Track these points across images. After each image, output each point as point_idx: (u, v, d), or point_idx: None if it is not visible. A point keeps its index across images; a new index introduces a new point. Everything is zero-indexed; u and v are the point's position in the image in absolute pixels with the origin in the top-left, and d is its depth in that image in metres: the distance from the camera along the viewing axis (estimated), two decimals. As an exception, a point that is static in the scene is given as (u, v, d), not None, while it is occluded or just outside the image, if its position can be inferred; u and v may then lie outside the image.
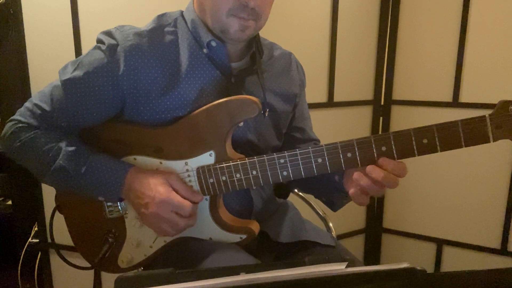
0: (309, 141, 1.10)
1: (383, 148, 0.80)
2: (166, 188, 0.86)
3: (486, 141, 0.76)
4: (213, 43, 0.92)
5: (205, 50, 0.93)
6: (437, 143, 0.78)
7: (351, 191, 0.83)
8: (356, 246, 2.20)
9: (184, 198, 0.86)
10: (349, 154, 0.81)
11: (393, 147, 0.79)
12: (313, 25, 1.83)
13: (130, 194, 0.88)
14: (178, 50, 0.92)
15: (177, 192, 0.86)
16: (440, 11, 1.87)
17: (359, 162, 0.81)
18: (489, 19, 1.77)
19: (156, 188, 0.85)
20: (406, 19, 1.96)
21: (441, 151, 0.78)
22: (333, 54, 1.89)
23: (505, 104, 0.75)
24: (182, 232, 0.89)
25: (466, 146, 0.77)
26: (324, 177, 0.94)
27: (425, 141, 0.78)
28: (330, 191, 0.98)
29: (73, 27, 1.51)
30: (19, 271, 1.89)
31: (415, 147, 0.79)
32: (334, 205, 1.03)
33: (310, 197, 1.34)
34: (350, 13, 1.89)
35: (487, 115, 0.75)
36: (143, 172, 0.89)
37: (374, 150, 0.80)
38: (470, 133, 0.76)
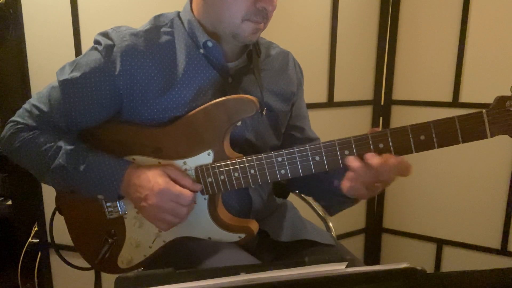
0: (309, 140, 1.10)
1: (381, 145, 0.80)
2: (164, 178, 0.86)
3: (484, 137, 0.76)
4: (209, 43, 0.92)
5: (201, 50, 0.93)
6: (434, 140, 0.77)
7: (347, 175, 0.82)
8: (356, 246, 2.20)
9: (183, 187, 0.86)
10: (346, 152, 0.82)
11: (390, 144, 0.79)
12: (313, 25, 1.83)
13: (130, 189, 0.88)
14: (175, 50, 0.92)
15: (175, 181, 0.87)
16: (440, 11, 1.87)
17: None
18: (489, 19, 1.77)
19: (155, 180, 0.85)
20: (406, 19, 1.96)
21: (438, 147, 0.78)
22: (333, 54, 1.89)
23: (501, 99, 0.74)
24: (180, 224, 0.89)
25: (463, 142, 0.77)
26: (325, 180, 0.95)
27: (422, 137, 0.78)
28: (329, 195, 0.98)
29: (73, 27, 1.51)
30: (19, 271, 1.89)
31: (412, 144, 0.79)
32: (331, 209, 1.04)
33: (310, 197, 1.34)
34: (350, 13, 1.89)
35: (484, 111, 0.75)
36: (141, 167, 0.89)
37: (372, 147, 0.80)
38: (467, 129, 0.76)
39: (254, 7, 0.86)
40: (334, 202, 1.00)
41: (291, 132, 1.09)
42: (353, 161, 0.80)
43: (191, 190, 0.87)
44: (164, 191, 0.84)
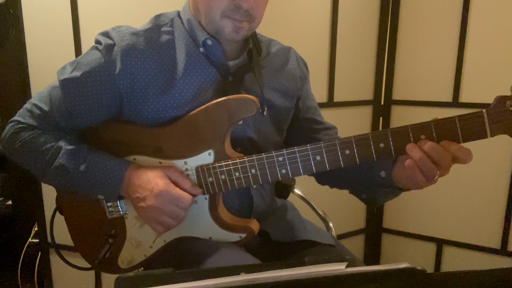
0: (328, 129, 1.09)
1: (381, 145, 0.80)
2: (165, 180, 0.86)
3: (484, 136, 0.76)
4: (209, 42, 0.92)
5: (201, 49, 0.93)
6: (435, 139, 0.78)
7: (407, 162, 0.79)
8: (356, 246, 2.20)
9: (183, 189, 0.86)
10: (347, 151, 0.82)
11: (391, 143, 0.80)
12: (313, 25, 1.83)
13: (129, 190, 0.88)
14: (175, 49, 0.92)
15: (176, 184, 0.86)
16: (440, 11, 1.87)
17: (357, 159, 0.81)
18: (489, 19, 1.77)
19: (155, 181, 0.85)
20: (406, 19, 1.96)
21: None
22: (333, 54, 1.89)
23: (501, 99, 0.75)
24: (180, 224, 0.89)
25: (464, 141, 0.77)
26: (370, 173, 0.94)
27: (422, 137, 0.78)
28: (376, 187, 0.96)
29: (73, 27, 1.51)
30: (19, 271, 1.89)
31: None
32: (376, 202, 1.00)
33: (310, 197, 1.34)
34: (350, 13, 1.89)
35: (484, 111, 0.75)
36: (142, 167, 0.89)
37: (372, 147, 0.80)
38: (467, 129, 0.76)
39: (232, 4, 0.86)
40: (380, 193, 0.97)
41: (308, 125, 1.08)
42: (412, 150, 0.78)
43: (191, 194, 0.87)
44: (163, 193, 0.84)
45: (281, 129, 1.05)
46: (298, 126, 1.08)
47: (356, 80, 1.99)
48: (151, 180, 0.86)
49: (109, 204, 0.96)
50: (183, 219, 0.88)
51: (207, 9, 0.89)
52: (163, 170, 0.88)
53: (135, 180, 0.87)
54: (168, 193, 0.84)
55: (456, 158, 0.77)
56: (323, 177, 1.09)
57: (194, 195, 0.88)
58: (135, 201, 0.88)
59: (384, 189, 0.93)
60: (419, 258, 2.10)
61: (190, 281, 0.55)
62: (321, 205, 1.32)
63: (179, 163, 0.90)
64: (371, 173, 0.93)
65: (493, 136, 0.76)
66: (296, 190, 1.33)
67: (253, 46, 0.97)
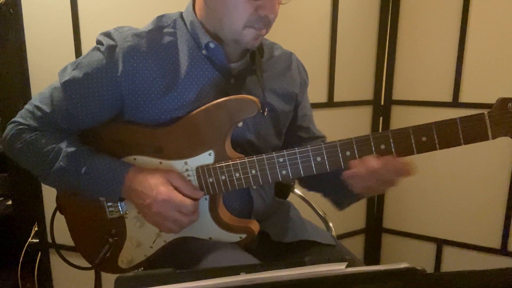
0: (315, 138, 1.10)
1: (382, 147, 0.80)
2: (167, 187, 0.86)
3: (485, 138, 0.76)
4: (212, 45, 0.92)
5: (204, 52, 0.93)
6: (436, 141, 0.78)
7: (350, 172, 0.83)
8: (356, 246, 2.20)
9: (185, 195, 0.87)
10: (348, 153, 0.82)
11: (392, 145, 0.80)
12: (313, 25, 1.84)
13: (131, 194, 0.88)
14: (177, 51, 0.92)
15: (178, 190, 0.87)
16: (440, 11, 1.87)
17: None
18: (489, 19, 1.77)
19: (158, 188, 0.85)
20: (406, 19, 1.96)
21: (440, 149, 0.78)
22: (333, 54, 1.89)
23: (503, 101, 0.74)
24: (186, 227, 0.90)
25: (465, 143, 0.77)
26: (331, 175, 0.94)
27: (424, 139, 0.78)
28: (336, 189, 0.97)
29: (73, 27, 1.51)
30: (19, 271, 1.89)
31: (414, 145, 0.79)
32: (341, 204, 1.02)
33: (310, 197, 1.34)
34: (350, 13, 1.89)
35: (485, 113, 0.75)
36: (143, 172, 0.89)
37: (373, 149, 0.80)
38: (469, 131, 0.76)
39: (256, 15, 0.86)
40: (341, 195, 0.98)
41: (298, 133, 1.09)
42: (353, 165, 0.81)
43: (193, 198, 0.87)
44: (167, 201, 0.85)
45: (280, 132, 1.05)
46: (291, 133, 1.09)
47: (356, 80, 2.00)
48: (153, 187, 0.86)
49: (109, 204, 0.96)
50: (186, 225, 0.88)
51: (229, 20, 0.88)
52: (165, 176, 0.87)
53: (137, 186, 0.87)
54: (171, 201, 0.85)
55: (398, 173, 0.80)
56: (303, 181, 1.11)
57: (196, 199, 0.88)
58: (140, 206, 0.89)
59: (344, 191, 0.93)
60: (419, 258, 2.10)
61: (190, 281, 0.55)
62: (321, 205, 1.32)
63: (180, 163, 0.90)
64: (335, 175, 0.93)
65: (495, 138, 0.76)
66: (296, 190, 1.33)
67: (255, 49, 0.97)
